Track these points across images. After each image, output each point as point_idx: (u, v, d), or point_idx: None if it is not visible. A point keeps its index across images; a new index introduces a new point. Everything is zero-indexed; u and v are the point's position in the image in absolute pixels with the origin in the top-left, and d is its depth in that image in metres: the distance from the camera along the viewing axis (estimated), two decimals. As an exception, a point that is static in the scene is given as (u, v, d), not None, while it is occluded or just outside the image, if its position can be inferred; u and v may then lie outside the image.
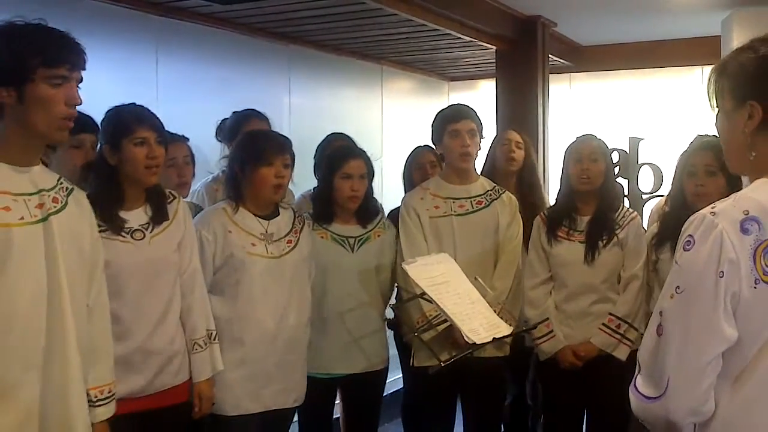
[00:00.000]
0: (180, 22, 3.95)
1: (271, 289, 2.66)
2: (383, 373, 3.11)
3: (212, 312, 2.57)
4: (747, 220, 1.29)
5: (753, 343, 1.29)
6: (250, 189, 2.68)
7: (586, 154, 3.02)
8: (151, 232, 2.36)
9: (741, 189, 1.40)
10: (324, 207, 3.00)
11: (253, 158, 2.65)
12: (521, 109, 4.73)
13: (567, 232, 3.06)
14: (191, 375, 2.47)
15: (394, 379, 4.33)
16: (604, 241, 2.99)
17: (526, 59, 4.80)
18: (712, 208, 1.33)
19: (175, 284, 2.42)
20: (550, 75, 5.14)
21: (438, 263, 2.25)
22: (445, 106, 3.28)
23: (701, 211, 1.34)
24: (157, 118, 2.39)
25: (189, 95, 4.12)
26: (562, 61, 5.49)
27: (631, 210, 3.14)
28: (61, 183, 1.86)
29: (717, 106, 1.44)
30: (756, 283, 1.27)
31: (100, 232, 2.20)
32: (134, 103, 2.40)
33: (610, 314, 2.97)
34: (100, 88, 3.47)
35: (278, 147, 2.68)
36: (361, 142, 3.94)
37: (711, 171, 2.70)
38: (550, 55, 5.13)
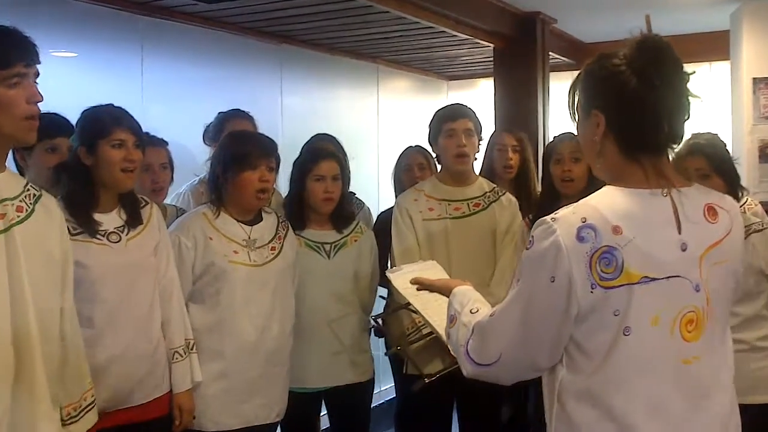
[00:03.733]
0: (166, 21, 3.83)
1: (253, 299, 2.53)
2: (369, 384, 2.98)
3: (192, 322, 2.46)
4: (584, 228, 1.34)
5: (594, 342, 1.36)
6: (233, 193, 2.56)
7: (567, 153, 2.85)
8: (127, 236, 2.26)
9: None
10: (297, 212, 2.85)
11: (236, 161, 2.52)
12: (520, 109, 4.59)
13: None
14: (171, 386, 2.37)
15: (387, 388, 4.21)
16: None
17: (525, 57, 4.65)
18: (555, 214, 1.38)
19: (155, 290, 2.33)
20: (552, 73, 4.99)
21: (425, 270, 2.12)
22: (443, 106, 3.13)
23: (546, 216, 1.39)
24: (136, 120, 2.28)
25: (176, 96, 4.00)
26: (563, 58, 5.34)
27: None
28: (28, 189, 1.75)
29: (577, 116, 1.51)
30: (593, 288, 1.33)
31: (75, 234, 2.14)
32: (112, 104, 2.29)
33: None
34: (84, 89, 3.39)
35: (262, 150, 2.55)
36: (357, 144, 3.85)
37: (704, 174, 2.56)
38: (550, 53, 4.99)
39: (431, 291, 1.82)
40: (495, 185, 3.12)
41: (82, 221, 2.18)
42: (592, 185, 2.76)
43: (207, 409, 2.47)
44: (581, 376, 1.38)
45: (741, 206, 2.36)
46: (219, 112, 3.39)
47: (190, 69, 4.13)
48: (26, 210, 1.70)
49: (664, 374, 1.37)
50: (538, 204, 2.97)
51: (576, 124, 1.52)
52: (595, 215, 1.35)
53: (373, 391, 3.05)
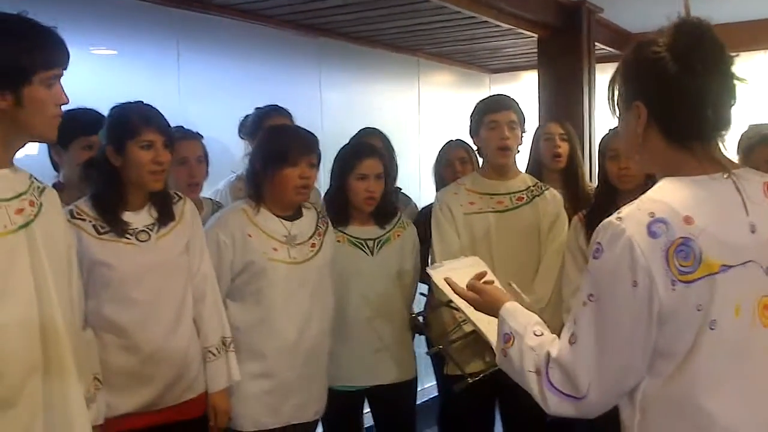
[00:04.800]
0: (202, 15, 3.79)
1: (293, 297, 2.47)
2: (412, 383, 2.91)
3: (231, 320, 2.41)
4: (654, 223, 1.27)
5: (679, 343, 1.27)
6: (272, 189, 2.49)
7: (622, 150, 2.72)
8: (156, 233, 2.21)
9: None
10: (339, 209, 2.78)
11: (276, 157, 2.45)
12: (565, 101, 4.44)
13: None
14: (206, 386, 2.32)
15: (430, 386, 4.12)
16: None
17: (570, 48, 4.49)
18: (619, 213, 1.31)
19: (187, 288, 2.27)
20: (598, 65, 4.83)
21: (467, 267, 2.03)
22: (485, 97, 3.02)
23: (609, 218, 1.33)
24: (164, 119, 2.22)
25: (213, 91, 3.95)
26: (610, 49, 5.17)
27: None
28: (33, 182, 1.73)
29: (618, 109, 1.45)
30: (673, 285, 1.25)
31: (102, 233, 2.12)
32: (141, 102, 2.23)
33: None
34: (123, 86, 3.37)
35: (303, 146, 2.49)
36: (397, 139, 3.76)
37: None
38: (597, 44, 4.83)
39: (464, 299, 1.72)
40: (538, 181, 3.01)
41: (110, 221, 2.14)
42: (651, 180, 2.70)
43: (247, 408, 2.42)
44: (666, 381, 1.30)
45: None
46: (256, 108, 3.34)
47: (227, 63, 4.08)
48: (36, 204, 1.69)
49: (754, 367, 1.30)
50: (595, 201, 2.85)
51: (617, 117, 1.46)
52: (662, 208, 1.29)
53: (416, 389, 2.98)
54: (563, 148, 3.49)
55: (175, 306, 2.23)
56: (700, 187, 1.32)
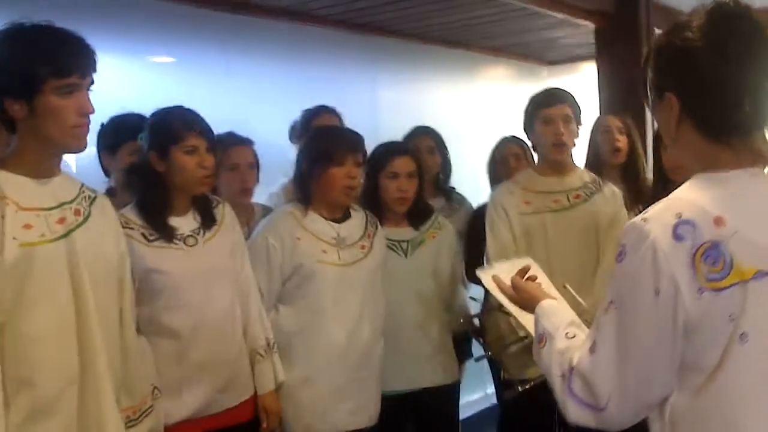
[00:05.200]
0: (254, 19, 3.80)
1: (343, 300, 2.44)
2: (454, 386, 2.85)
3: (282, 324, 2.41)
4: (680, 224, 1.16)
5: (708, 356, 1.16)
6: (320, 191, 2.47)
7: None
8: (203, 238, 2.21)
9: None
10: (372, 210, 2.71)
11: (322, 157, 2.43)
12: (624, 92, 4.26)
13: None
14: (255, 390, 2.32)
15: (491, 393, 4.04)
16: None
17: (627, 35, 4.30)
18: (645, 213, 1.21)
19: (234, 291, 2.27)
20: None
21: (517, 268, 1.95)
22: (538, 90, 2.93)
23: (635, 218, 1.22)
24: (206, 123, 2.22)
25: (268, 95, 3.96)
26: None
27: None
28: (83, 191, 1.74)
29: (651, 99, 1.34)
30: (700, 293, 1.14)
31: (152, 240, 2.12)
32: (181, 107, 2.23)
33: None
34: (178, 92, 3.40)
35: (349, 145, 2.45)
36: (453, 136, 3.70)
37: None
38: (657, 30, 4.65)
39: (505, 297, 1.65)
40: (596, 177, 2.90)
41: (158, 227, 2.15)
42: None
43: (299, 414, 2.40)
44: (695, 395, 1.19)
45: None
46: (304, 109, 3.32)
47: (277, 67, 4.09)
48: (83, 213, 1.70)
49: None
50: (651, 193, 2.74)
51: (651, 107, 1.35)
52: (691, 208, 1.17)
53: (459, 393, 2.93)
54: (622, 141, 3.36)
55: (226, 309, 2.23)
56: (736, 184, 1.21)
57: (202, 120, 2.21)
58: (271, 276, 2.40)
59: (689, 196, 1.21)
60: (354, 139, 2.49)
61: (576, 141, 2.83)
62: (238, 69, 3.81)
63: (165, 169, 2.16)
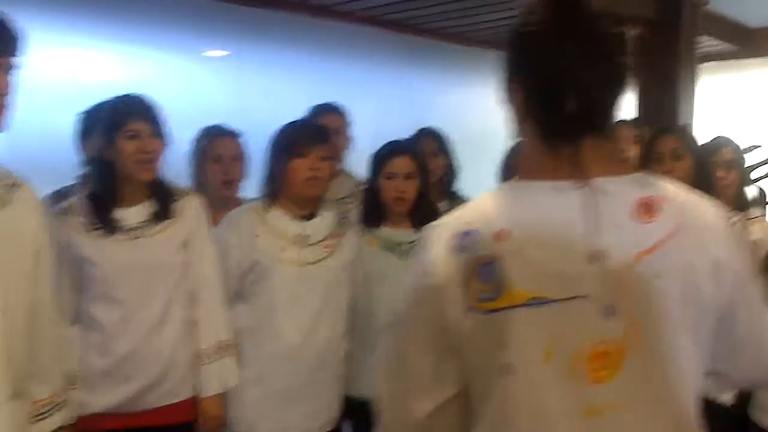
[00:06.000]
0: (312, 19, 3.82)
1: (300, 299, 2.38)
2: None
3: (237, 323, 2.36)
4: (463, 235, 1.06)
5: (475, 384, 1.07)
6: (284, 185, 2.42)
7: (667, 151, 2.54)
8: (150, 230, 2.18)
9: None
10: (373, 209, 2.66)
11: (286, 150, 2.39)
12: (658, 103, 4.05)
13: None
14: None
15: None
16: None
17: (666, 46, 4.09)
18: (442, 218, 1.13)
19: (178, 288, 2.22)
20: (714, 63, 4.41)
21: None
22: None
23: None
24: (154, 109, 2.17)
25: (322, 91, 3.94)
26: (730, 45, 4.70)
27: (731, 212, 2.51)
28: (6, 179, 1.70)
29: None
30: (468, 312, 1.04)
31: (92, 231, 2.11)
32: (129, 94, 2.19)
33: None
34: (233, 84, 3.42)
35: (313, 137, 2.40)
36: (487, 141, 3.59)
37: None
38: (709, 40, 4.40)
39: None
40: None
41: (101, 218, 2.13)
42: (698, 187, 2.42)
43: (242, 412, 2.35)
44: (474, 426, 1.08)
45: None
46: (312, 106, 3.29)
47: (337, 64, 4.09)
48: (1, 199, 1.65)
49: (563, 429, 1.02)
50: None
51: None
52: (478, 218, 1.07)
53: None
54: (632, 150, 3.20)
55: (161, 306, 2.18)
56: (535, 196, 1.08)
57: (148, 105, 2.17)
58: (227, 272, 2.37)
59: (483, 205, 1.10)
60: (318, 132, 2.44)
61: None
62: (291, 65, 3.83)
63: (113, 157, 2.15)
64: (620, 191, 1.07)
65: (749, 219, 2.87)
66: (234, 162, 2.81)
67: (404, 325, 1.13)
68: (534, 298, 1.01)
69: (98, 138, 2.17)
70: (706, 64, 4.69)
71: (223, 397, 2.30)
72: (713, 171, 2.90)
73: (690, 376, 1.06)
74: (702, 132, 4.19)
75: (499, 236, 1.04)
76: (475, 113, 4.74)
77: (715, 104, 4.76)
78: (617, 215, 1.05)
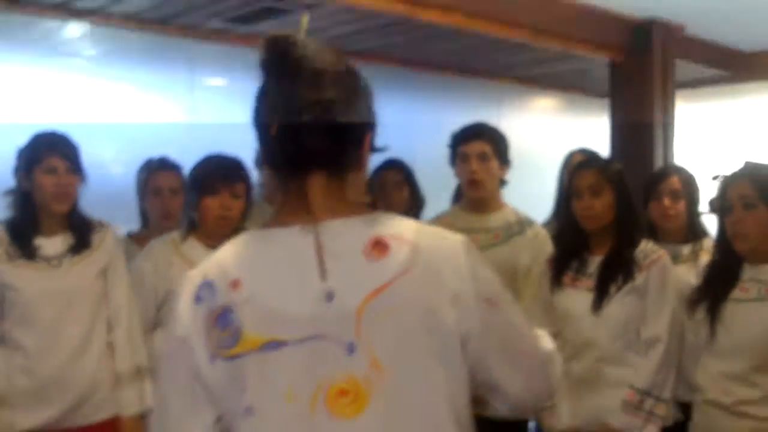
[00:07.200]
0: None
1: None
2: None
3: (155, 348, 2.43)
4: (202, 287, 1.11)
5: (230, 425, 1.09)
6: (199, 218, 2.48)
7: (585, 186, 2.44)
8: (69, 260, 2.31)
9: None
10: None
11: (198, 186, 2.44)
12: (632, 132, 3.96)
13: (573, 277, 2.47)
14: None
15: None
16: (618, 286, 2.37)
17: (640, 73, 4.02)
18: (194, 269, 1.16)
19: (98, 314, 2.35)
20: (704, 89, 4.33)
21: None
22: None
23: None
24: (73, 146, 2.32)
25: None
26: (717, 71, 4.60)
27: (655, 247, 2.44)
28: None
29: None
30: (212, 360, 1.08)
31: (14, 258, 2.24)
32: (52, 132, 2.34)
33: (630, 387, 2.33)
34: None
35: (223, 174, 2.41)
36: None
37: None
38: (695, 65, 4.33)
39: None
40: (526, 218, 2.75)
41: (21, 245, 2.26)
42: (621, 222, 2.39)
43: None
44: None
45: None
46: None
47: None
48: None
49: None
50: (560, 244, 2.59)
51: None
52: (215, 269, 1.11)
53: None
54: None
55: (81, 331, 2.30)
56: (267, 243, 1.12)
57: (67, 143, 2.31)
58: (145, 300, 2.45)
59: (221, 255, 1.14)
60: (230, 169, 2.44)
61: (500, 178, 2.71)
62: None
63: (31, 189, 2.29)
64: (350, 232, 1.10)
65: (703, 250, 2.78)
66: (173, 195, 2.89)
67: (163, 377, 1.16)
68: (269, 342, 1.06)
69: (19, 171, 2.33)
70: (697, 90, 4.60)
71: (143, 417, 2.38)
72: (660, 199, 2.84)
73: (445, 399, 1.09)
74: (686, 159, 4.13)
75: (234, 285, 1.09)
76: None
77: (705, 131, 4.65)
78: (348, 256, 1.09)
